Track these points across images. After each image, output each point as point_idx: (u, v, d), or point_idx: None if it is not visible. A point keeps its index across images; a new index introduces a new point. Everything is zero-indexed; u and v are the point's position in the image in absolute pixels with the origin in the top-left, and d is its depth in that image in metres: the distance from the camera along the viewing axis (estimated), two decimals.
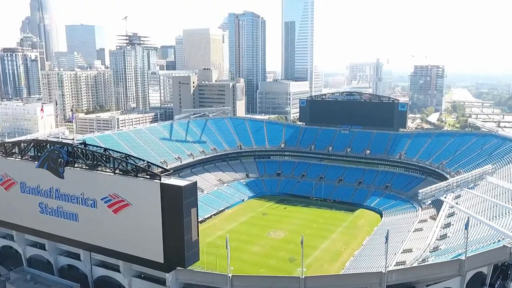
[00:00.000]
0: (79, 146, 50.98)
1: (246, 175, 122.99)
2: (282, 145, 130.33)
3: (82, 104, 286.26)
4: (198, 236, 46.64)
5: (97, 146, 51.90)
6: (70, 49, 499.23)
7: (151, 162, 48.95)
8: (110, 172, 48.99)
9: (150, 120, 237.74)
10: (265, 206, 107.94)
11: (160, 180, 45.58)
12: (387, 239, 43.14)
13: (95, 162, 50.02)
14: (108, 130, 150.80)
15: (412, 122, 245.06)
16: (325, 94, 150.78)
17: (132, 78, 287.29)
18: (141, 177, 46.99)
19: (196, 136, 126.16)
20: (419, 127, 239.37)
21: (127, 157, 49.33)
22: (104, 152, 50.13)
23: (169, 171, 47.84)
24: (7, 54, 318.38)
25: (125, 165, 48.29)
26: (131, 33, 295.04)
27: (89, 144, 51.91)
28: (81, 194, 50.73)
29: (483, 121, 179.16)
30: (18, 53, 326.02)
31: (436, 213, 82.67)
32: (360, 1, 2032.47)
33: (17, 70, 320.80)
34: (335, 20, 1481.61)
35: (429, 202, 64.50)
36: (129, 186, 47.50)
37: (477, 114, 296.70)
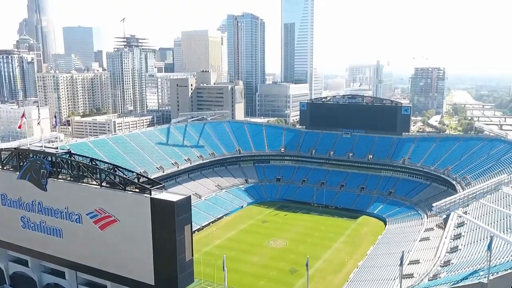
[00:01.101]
0: (63, 156, 47.22)
1: (245, 180, 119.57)
2: (282, 149, 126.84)
3: (78, 107, 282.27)
4: (192, 256, 42.91)
5: (82, 156, 47.99)
6: (68, 51, 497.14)
7: (141, 174, 45.23)
8: (96, 184, 45.27)
9: (147, 123, 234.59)
10: (264, 213, 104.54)
11: (151, 195, 41.88)
12: (402, 261, 39.37)
13: (80, 173, 46.25)
14: (105, 133, 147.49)
15: (413, 125, 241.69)
16: (326, 97, 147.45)
17: (129, 81, 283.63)
18: (129, 190, 43.25)
19: (194, 140, 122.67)
20: (421, 130, 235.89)
21: (115, 168, 45.55)
22: (90, 163, 46.37)
23: (161, 183, 44.04)
24: (3, 56, 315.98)
25: (112, 177, 44.54)
26: (129, 35, 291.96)
27: (74, 154, 48.09)
28: (65, 208, 46.96)
29: (487, 124, 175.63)
30: (14, 55, 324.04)
31: (442, 221, 79.36)
32: (360, 2, 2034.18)
33: (13, 72, 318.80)
34: (335, 22, 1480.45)
35: (444, 216, 60.72)
36: (117, 201, 43.76)
37: (478, 117, 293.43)
